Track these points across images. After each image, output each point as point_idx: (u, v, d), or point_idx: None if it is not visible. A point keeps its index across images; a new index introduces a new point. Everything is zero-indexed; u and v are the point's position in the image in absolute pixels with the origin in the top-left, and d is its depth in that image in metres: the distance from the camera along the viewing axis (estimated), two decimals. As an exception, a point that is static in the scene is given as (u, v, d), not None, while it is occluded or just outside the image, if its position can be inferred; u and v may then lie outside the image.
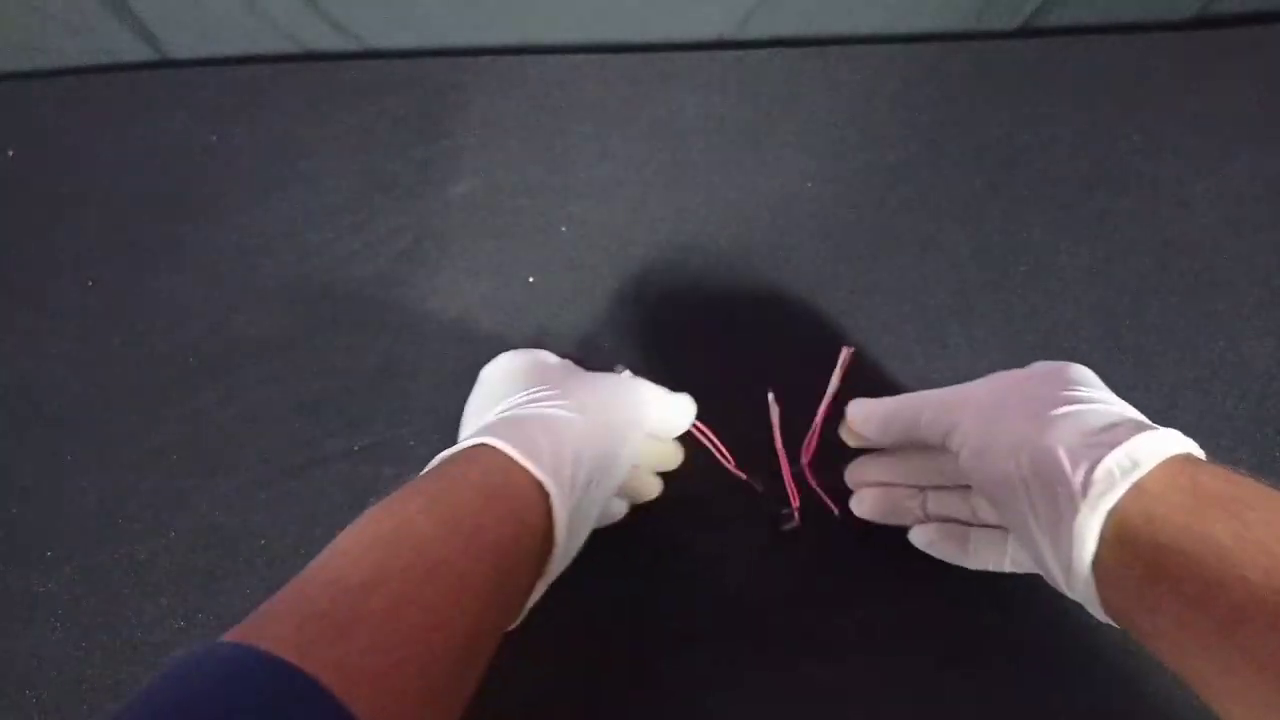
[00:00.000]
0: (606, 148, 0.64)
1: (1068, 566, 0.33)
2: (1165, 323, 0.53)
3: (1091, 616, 0.42)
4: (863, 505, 0.45)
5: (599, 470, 0.38)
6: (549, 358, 0.46)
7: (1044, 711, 0.40)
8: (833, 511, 0.46)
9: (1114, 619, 0.33)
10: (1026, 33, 0.70)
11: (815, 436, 0.47)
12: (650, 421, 0.43)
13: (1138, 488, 0.31)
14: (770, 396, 0.49)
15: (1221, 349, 0.52)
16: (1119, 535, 0.31)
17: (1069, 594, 0.34)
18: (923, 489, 0.44)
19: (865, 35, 0.71)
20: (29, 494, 0.51)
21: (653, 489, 0.45)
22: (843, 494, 0.46)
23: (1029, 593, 0.43)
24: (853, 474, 0.46)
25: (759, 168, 0.62)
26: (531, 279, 0.58)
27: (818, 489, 0.46)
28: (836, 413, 0.45)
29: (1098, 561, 0.32)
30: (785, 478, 0.47)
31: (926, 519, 0.44)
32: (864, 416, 0.43)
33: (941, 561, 0.44)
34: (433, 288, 0.58)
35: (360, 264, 0.60)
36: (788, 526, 0.46)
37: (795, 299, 0.55)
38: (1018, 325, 0.53)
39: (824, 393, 0.48)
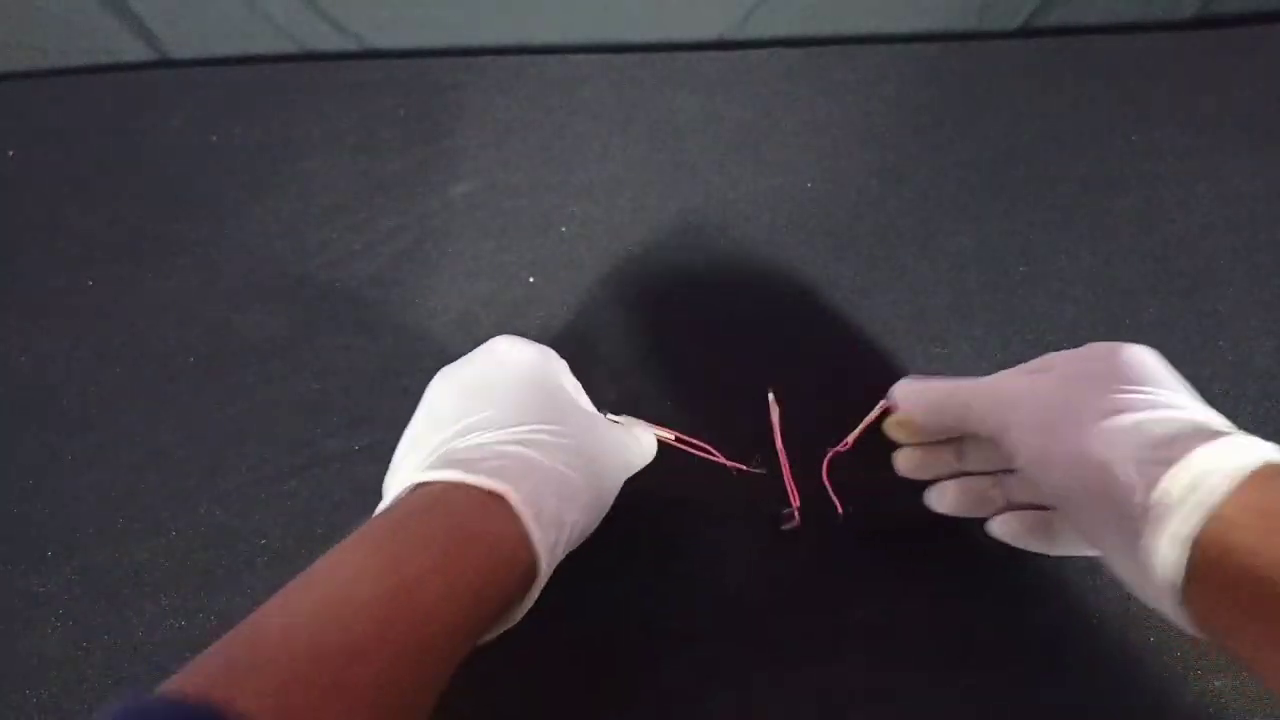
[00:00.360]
0: (606, 148, 0.64)
1: (1142, 584, 0.31)
2: (1165, 323, 0.53)
3: (1091, 615, 0.42)
4: (944, 499, 0.42)
5: (576, 539, 0.38)
6: (563, 373, 0.43)
7: (1045, 712, 0.40)
8: (838, 511, 0.45)
9: (1196, 633, 0.31)
10: (1026, 33, 0.70)
11: (842, 447, 0.46)
12: (631, 471, 0.42)
13: (1201, 509, 0.29)
14: (770, 396, 0.49)
15: (1221, 349, 0.52)
16: (1189, 558, 0.29)
17: (1148, 605, 0.33)
18: (996, 474, 0.41)
19: (865, 35, 0.71)
20: (29, 494, 0.51)
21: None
22: (850, 495, 0.46)
23: (1029, 592, 0.43)
24: (909, 464, 0.43)
25: (759, 168, 0.62)
26: (531, 279, 0.58)
27: (828, 486, 0.45)
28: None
29: (1171, 582, 0.30)
30: (785, 477, 0.46)
31: (1010, 507, 0.41)
32: (913, 399, 0.40)
33: (941, 561, 0.44)
34: (433, 288, 0.58)
35: (360, 264, 0.60)
36: (788, 526, 0.45)
37: (795, 299, 0.55)
38: (1018, 325, 0.53)
39: (826, 395, 0.48)
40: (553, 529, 0.35)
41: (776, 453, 0.47)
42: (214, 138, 0.68)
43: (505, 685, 0.42)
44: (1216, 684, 0.40)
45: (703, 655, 0.43)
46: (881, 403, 0.45)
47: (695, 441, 0.47)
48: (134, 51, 0.73)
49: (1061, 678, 0.41)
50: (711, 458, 0.47)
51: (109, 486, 0.51)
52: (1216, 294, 0.54)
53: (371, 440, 0.51)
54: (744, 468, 0.47)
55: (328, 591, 0.30)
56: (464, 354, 0.45)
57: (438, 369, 0.53)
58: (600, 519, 0.40)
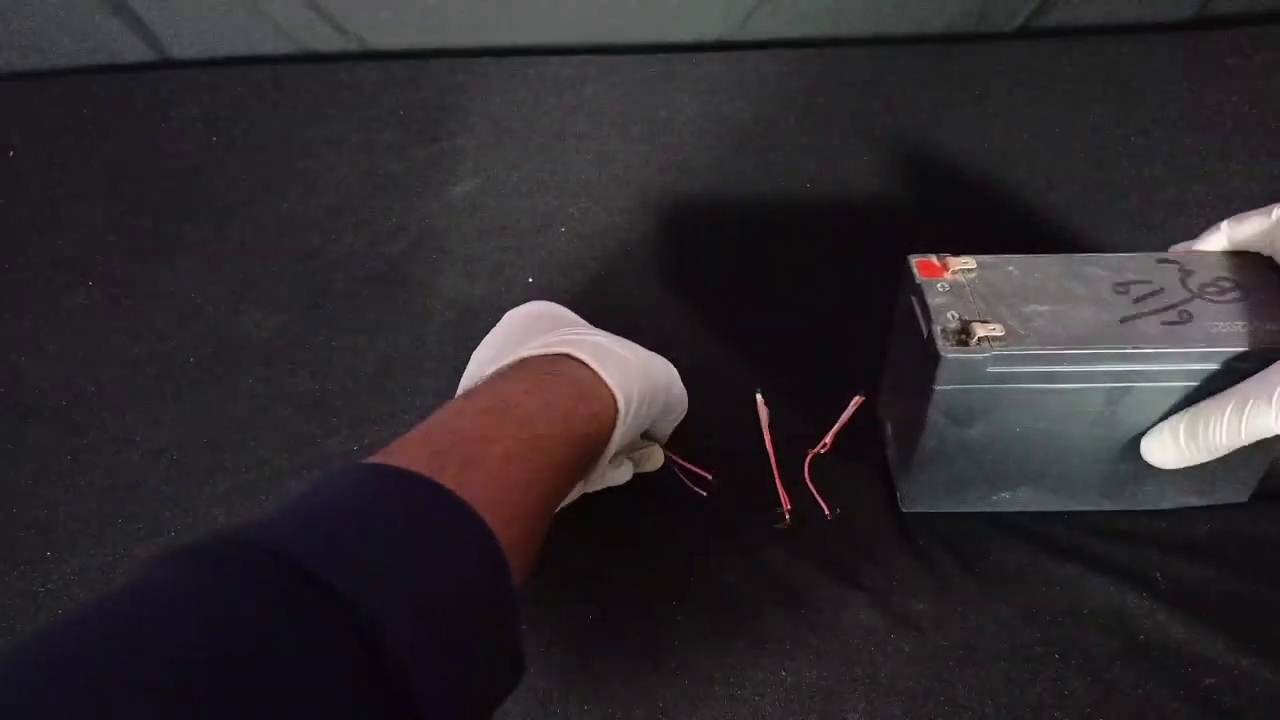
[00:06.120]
0: (606, 148, 0.65)
1: None
2: (1165, 323, 0.53)
3: (1089, 603, 0.42)
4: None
5: (642, 407, 0.41)
6: (573, 315, 0.48)
7: (1044, 711, 0.40)
8: (825, 514, 0.46)
9: None
10: (1026, 33, 0.70)
11: (821, 448, 0.47)
12: (670, 395, 0.44)
13: None
14: (759, 398, 0.49)
15: (1221, 349, 0.51)
16: None
17: None
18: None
19: (865, 35, 0.71)
20: (29, 494, 0.51)
21: (624, 475, 0.46)
22: (837, 496, 0.46)
23: (1029, 593, 0.43)
24: None
25: (759, 168, 0.62)
26: (531, 279, 0.58)
27: (812, 488, 0.46)
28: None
29: None
30: (776, 478, 0.47)
31: None
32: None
33: (939, 562, 0.44)
34: (433, 288, 0.58)
35: (360, 264, 0.60)
36: (779, 526, 0.46)
37: (795, 299, 0.55)
38: (1017, 325, 0.53)
39: (825, 395, 0.49)
40: (620, 378, 0.39)
41: (767, 453, 0.48)
42: (214, 138, 0.68)
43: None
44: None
45: (700, 654, 0.43)
46: (854, 400, 0.47)
47: (681, 461, 0.47)
48: (134, 51, 0.74)
49: (1063, 677, 0.41)
50: (692, 482, 0.47)
51: (109, 486, 0.51)
52: (1216, 294, 0.54)
53: (371, 440, 0.51)
54: (707, 476, 0.47)
55: (446, 411, 0.37)
56: (464, 355, 0.45)
57: (438, 369, 0.54)
58: (658, 399, 0.43)
